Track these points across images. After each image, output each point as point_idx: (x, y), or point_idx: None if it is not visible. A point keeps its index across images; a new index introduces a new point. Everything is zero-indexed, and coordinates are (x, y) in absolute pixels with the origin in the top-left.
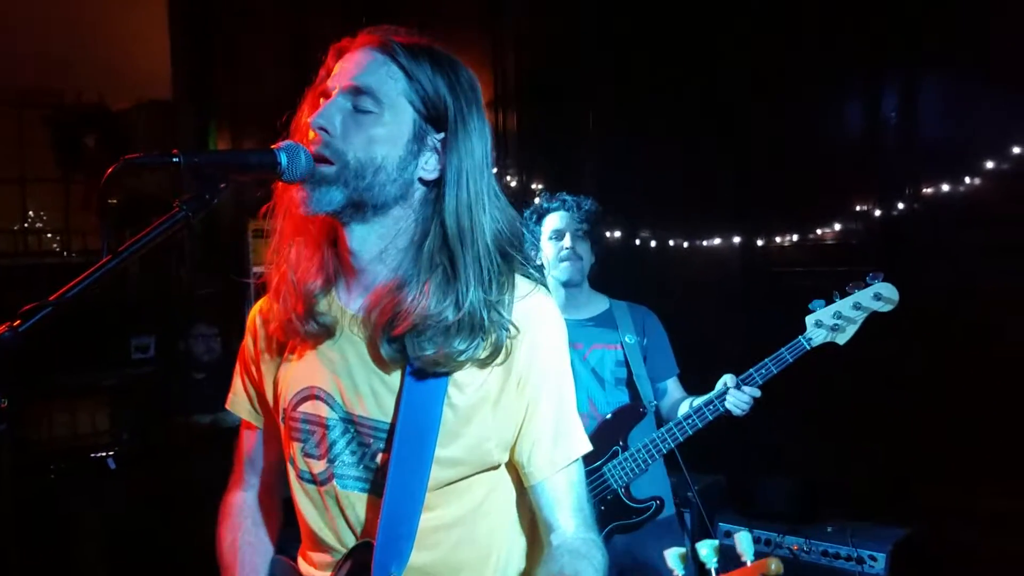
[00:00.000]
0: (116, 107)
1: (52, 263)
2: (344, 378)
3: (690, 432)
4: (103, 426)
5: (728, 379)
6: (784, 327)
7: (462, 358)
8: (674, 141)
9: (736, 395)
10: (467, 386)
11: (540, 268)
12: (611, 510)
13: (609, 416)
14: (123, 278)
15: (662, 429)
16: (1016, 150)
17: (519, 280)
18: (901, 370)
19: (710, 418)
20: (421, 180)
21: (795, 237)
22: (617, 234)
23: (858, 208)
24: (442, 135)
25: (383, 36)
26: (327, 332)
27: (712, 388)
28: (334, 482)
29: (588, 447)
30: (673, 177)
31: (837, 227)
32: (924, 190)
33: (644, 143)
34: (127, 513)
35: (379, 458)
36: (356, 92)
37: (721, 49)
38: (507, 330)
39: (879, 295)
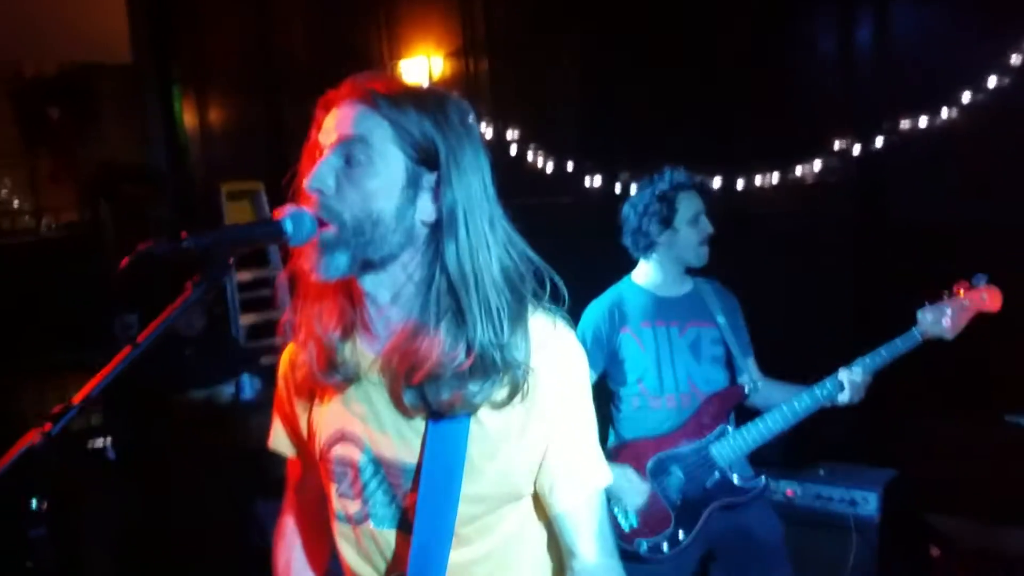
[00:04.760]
0: (77, 75)
1: (28, 241)
2: (371, 421)
3: (800, 413)
4: (95, 405)
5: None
6: (767, 269)
7: (477, 400)
8: (650, 82)
9: (856, 382)
10: (490, 423)
11: (556, 293)
12: (717, 489)
13: (717, 395)
14: (102, 252)
15: (775, 409)
16: (992, 81)
17: (537, 315)
18: (881, 308)
19: (821, 400)
20: (423, 223)
21: (775, 178)
22: (598, 180)
23: (837, 146)
24: (435, 175)
25: (364, 87)
26: (351, 380)
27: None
28: (369, 521)
29: (609, 478)
30: (650, 120)
31: (817, 165)
32: (902, 125)
33: (618, 85)
34: (131, 502)
35: (409, 498)
36: (345, 146)
37: None
38: (522, 370)
39: (986, 297)
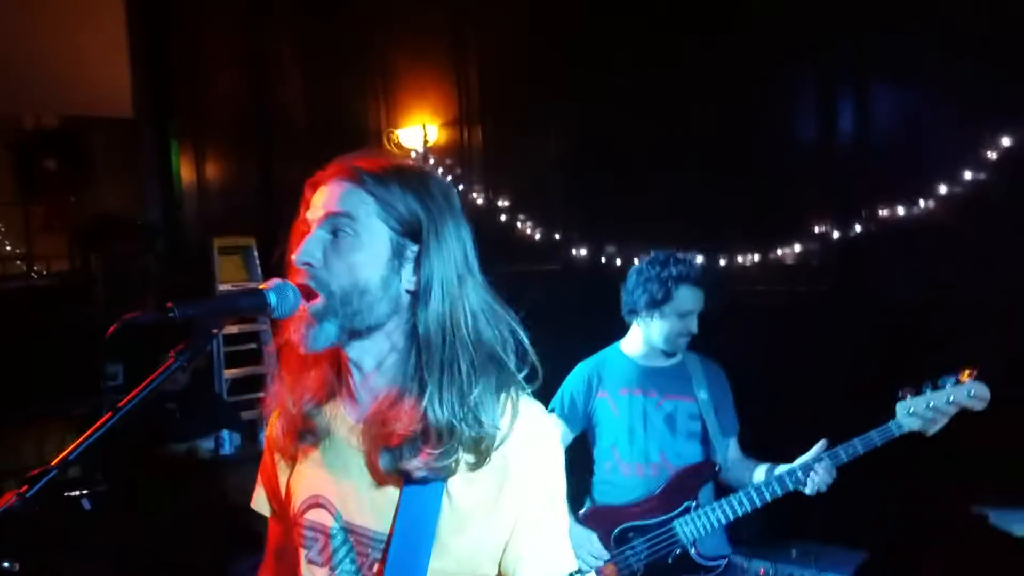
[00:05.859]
0: (76, 128)
1: (17, 287)
2: (346, 488)
3: (768, 499)
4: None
5: (815, 454)
6: (748, 348)
7: (446, 465)
8: (638, 158)
9: (821, 475)
10: (461, 499)
11: (532, 369)
12: (678, 566)
13: (685, 471)
14: (90, 303)
15: (741, 492)
16: (968, 175)
17: (514, 392)
18: (860, 386)
19: (790, 488)
20: (408, 291)
21: (756, 257)
22: (583, 252)
23: (816, 230)
24: (419, 246)
25: (350, 165)
26: (329, 444)
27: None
28: None
29: (574, 566)
30: (636, 195)
31: (797, 247)
32: (880, 211)
33: (608, 161)
34: (107, 554)
35: (375, 568)
36: (332, 220)
37: (682, 68)
38: (495, 438)
39: (973, 394)
